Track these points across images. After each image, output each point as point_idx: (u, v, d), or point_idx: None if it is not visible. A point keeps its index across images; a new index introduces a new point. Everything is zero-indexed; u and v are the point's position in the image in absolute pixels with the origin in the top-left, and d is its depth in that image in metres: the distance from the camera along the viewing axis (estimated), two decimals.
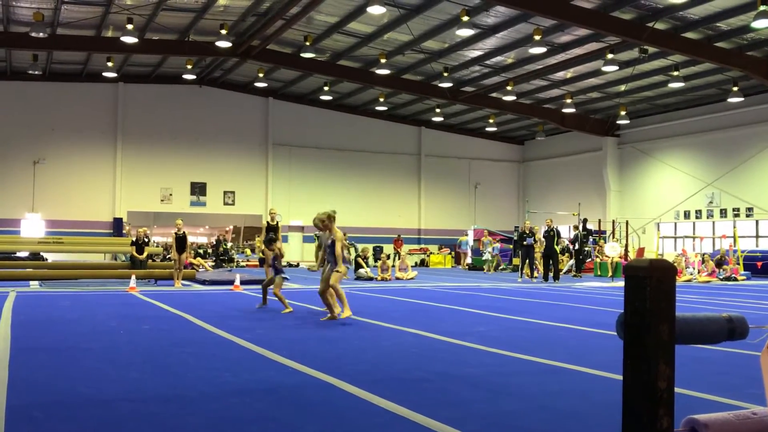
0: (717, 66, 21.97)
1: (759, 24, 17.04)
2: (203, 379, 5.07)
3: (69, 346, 6.65)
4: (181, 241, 15.58)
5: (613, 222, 27.84)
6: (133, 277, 14.50)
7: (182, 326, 8.27)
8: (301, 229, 32.36)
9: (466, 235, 29.25)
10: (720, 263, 21.13)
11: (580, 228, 24.55)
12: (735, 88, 23.60)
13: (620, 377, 2.10)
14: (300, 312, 10.18)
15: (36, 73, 25.81)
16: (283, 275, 10.51)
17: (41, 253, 22.58)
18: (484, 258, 26.77)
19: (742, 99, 24.11)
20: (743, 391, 4.64)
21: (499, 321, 9.31)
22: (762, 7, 16.48)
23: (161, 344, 6.81)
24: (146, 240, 17.86)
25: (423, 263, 32.29)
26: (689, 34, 19.89)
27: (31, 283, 15.76)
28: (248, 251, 31.70)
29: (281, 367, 5.51)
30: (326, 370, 5.29)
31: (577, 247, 23.31)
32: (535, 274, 20.38)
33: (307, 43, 22.20)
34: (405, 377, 5.26)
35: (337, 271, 8.78)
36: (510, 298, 13.26)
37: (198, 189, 31.22)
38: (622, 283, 13.78)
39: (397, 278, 19.59)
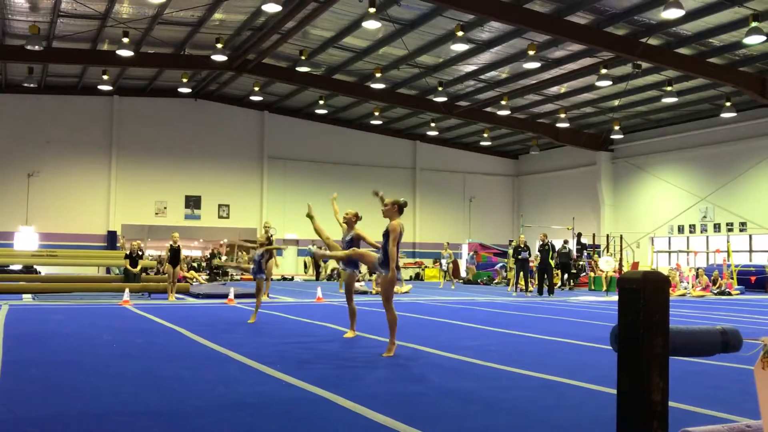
0: (710, 81, 22.11)
1: (751, 40, 17.21)
2: (197, 393, 5.05)
3: (62, 359, 6.61)
4: (174, 254, 15.57)
5: (608, 236, 27.89)
6: (127, 290, 14.44)
7: (176, 340, 8.23)
8: (296, 242, 32.31)
9: (448, 248, 28.08)
10: (715, 281, 21.28)
11: (574, 243, 24.60)
12: (728, 104, 23.75)
13: (615, 392, 2.10)
14: (294, 326, 10.15)
15: (31, 85, 25.80)
16: (259, 276, 10.70)
17: (34, 266, 22.49)
18: (443, 268, 26.11)
19: (734, 114, 24.26)
20: (738, 405, 4.65)
21: (494, 335, 9.30)
22: (753, 24, 16.65)
23: (155, 358, 6.78)
24: (140, 253, 17.81)
25: (418, 277, 32.26)
26: (682, 50, 20.03)
27: (24, 296, 15.69)
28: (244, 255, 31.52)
29: (275, 381, 5.49)
30: (321, 384, 5.28)
31: (559, 260, 23.03)
32: (530, 288, 20.41)
33: (303, 58, 22.27)
34: (400, 391, 5.24)
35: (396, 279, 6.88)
36: (505, 312, 13.24)
37: (193, 202, 31.17)
38: (616, 298, 13.76)
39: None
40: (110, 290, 16.49)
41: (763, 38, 17.10)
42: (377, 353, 7.15)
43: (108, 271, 25.22)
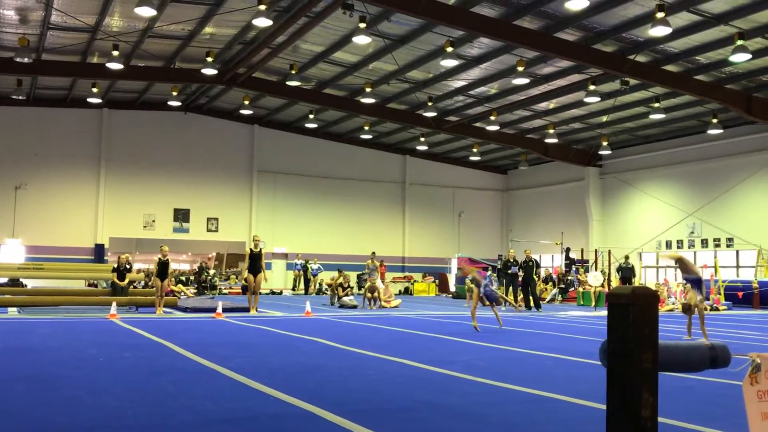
0: (697, 98, 22.33)
1: (737, 58, 17.42)
2: (184, 407, 5.01)
3: (48, 373, 6.54)
4: (163, 268, 15.46)
5: (596, 251, 27.99)
6: (114, 304, 14.32)
7: (163, 354, 8.17)
8: (285, 256, 32.22)
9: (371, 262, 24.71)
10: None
11: (563, 258, 24.67)
12: (714, 120, 23.98)
13: (604, 407, 2.09)
14: (282, 340, 10.09)
15: (20, 98, 25.71)
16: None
17: (20, 279, 22.29)
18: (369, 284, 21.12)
19: (721, 131, 24.48)
20: (728, 420, 4.65)
21: (483, 350, 9.28)
22: (739, 42, 16.86)
23: (142, 372, 6.72)
24: (128, 266, 17.68)
25: (407, 291, 32.23)
26: (669, 67, 20.24)
27: (10, 309, 15.52)
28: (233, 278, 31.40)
29: (263, 396, 5.45)
30: (309, 399, 5.24)
31: (621, 275, 23.24)
32: (519, 303, 20.47)
33: (293, 72, 22.32)
34: (388, 406, 5.22)
35: None
36: (493, 327, 13.22)
37: (181, 215, 31.06)
38: (605, 313, 13.73)
39: (381, 306, 19.52)
40: (97, 304, 16.35)
41: (748, 56, 17.31)
42: (366, 368, 7.12)
43: (95, 284, 25.02)
